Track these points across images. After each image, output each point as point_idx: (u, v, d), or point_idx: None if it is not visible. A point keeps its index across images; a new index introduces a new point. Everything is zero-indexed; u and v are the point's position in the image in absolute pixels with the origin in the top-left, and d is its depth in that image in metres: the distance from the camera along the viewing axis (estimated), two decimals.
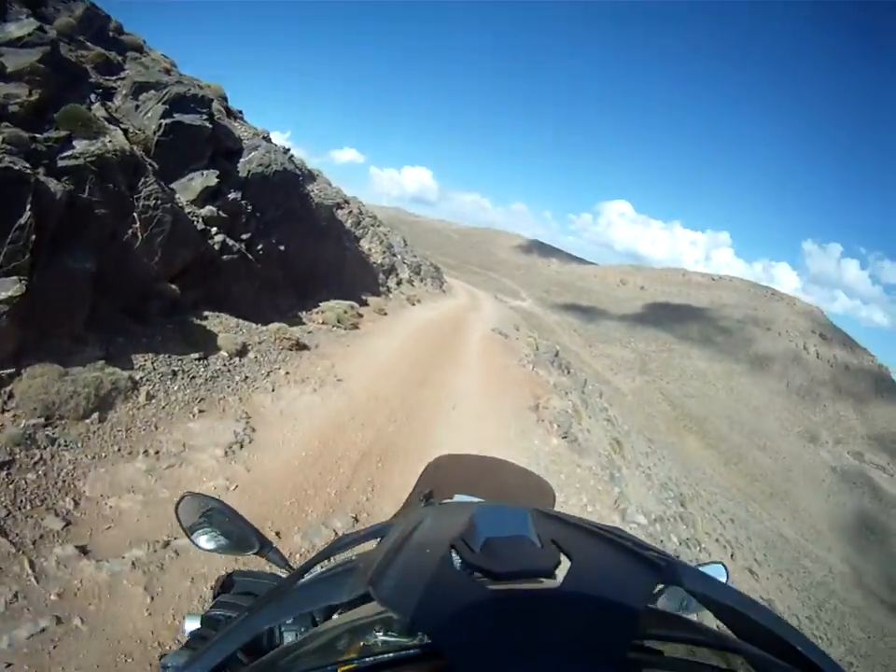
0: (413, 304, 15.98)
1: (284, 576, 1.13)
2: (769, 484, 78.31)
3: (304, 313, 10.59)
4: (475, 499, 1.57)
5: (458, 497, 1.66)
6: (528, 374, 12.65)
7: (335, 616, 0.93)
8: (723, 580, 1.23)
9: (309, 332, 9.66)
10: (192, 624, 1.11)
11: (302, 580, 0.74)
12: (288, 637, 1.07)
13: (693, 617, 0.85)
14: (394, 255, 17.51)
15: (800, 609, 25.11)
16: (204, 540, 1.25)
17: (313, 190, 12.80)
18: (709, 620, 0.77)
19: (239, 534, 1.23)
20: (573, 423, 10.13)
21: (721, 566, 1.38)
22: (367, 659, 0.60)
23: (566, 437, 9.21)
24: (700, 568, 1.05)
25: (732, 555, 17.80)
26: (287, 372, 7.80)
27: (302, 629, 1.07)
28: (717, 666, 0.58)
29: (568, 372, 17.48)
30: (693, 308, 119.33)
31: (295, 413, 6.88)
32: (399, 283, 16.52)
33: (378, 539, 0.75)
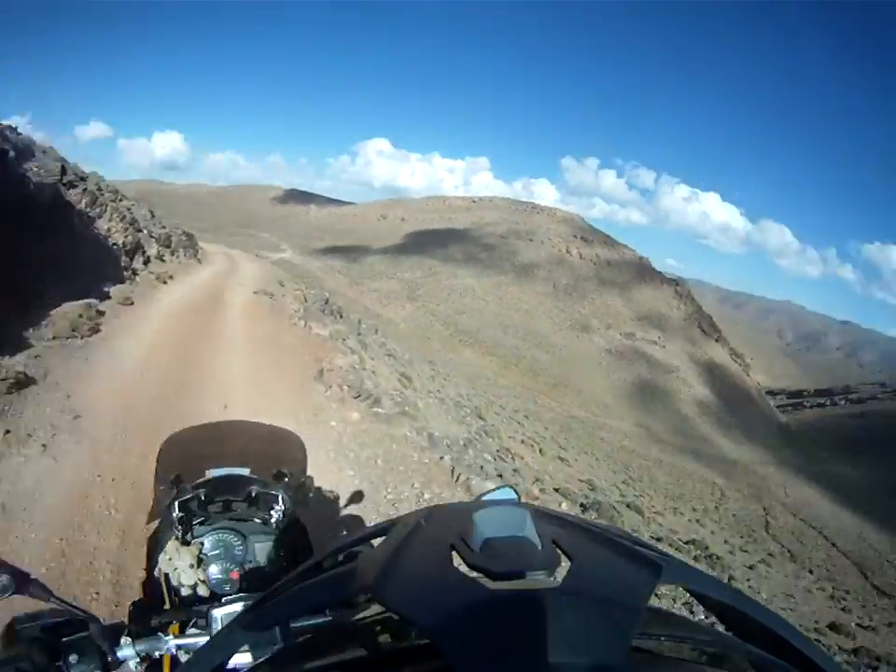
0: (165, 283, 14.83)
1: (71, 608, 1.13)
2: (551, 376, 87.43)
3: (30, 330, 8.27)
4: (234, 470, 1.64)
5: (211, 473, 1.65)
6: (303, 335, 12.15)
7: (335, 616, 1.01)
8: (514, 497, 1.28)
9: (35, 357, 7.58)
10: None
11: (302, 580, 0.76)
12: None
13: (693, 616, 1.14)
14: (139, 230, 16.47)
15: (612, 476, 28.63)
16: None
17: (31, 168, 11.21)
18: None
19: None
20: (364, 378, 9.81)
21: (510, 489, 1.32)
22: (367, 659, 0.63)
23: (361, 397, 8.73)
24: (489, 494, 1.23)
25: (540, 451, 19.21)
26: (8, 431, 5.49)
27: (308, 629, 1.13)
28: (717, 666, 0.61)
29: (341, 317, 17.64)
30: (455, 231, 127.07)
31: (20, 502, 4.74)
32: (146, 262, 15.62)
33: (378, 540, 0.77)
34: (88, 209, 13.96)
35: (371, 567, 0.64)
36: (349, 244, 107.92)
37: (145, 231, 17.13)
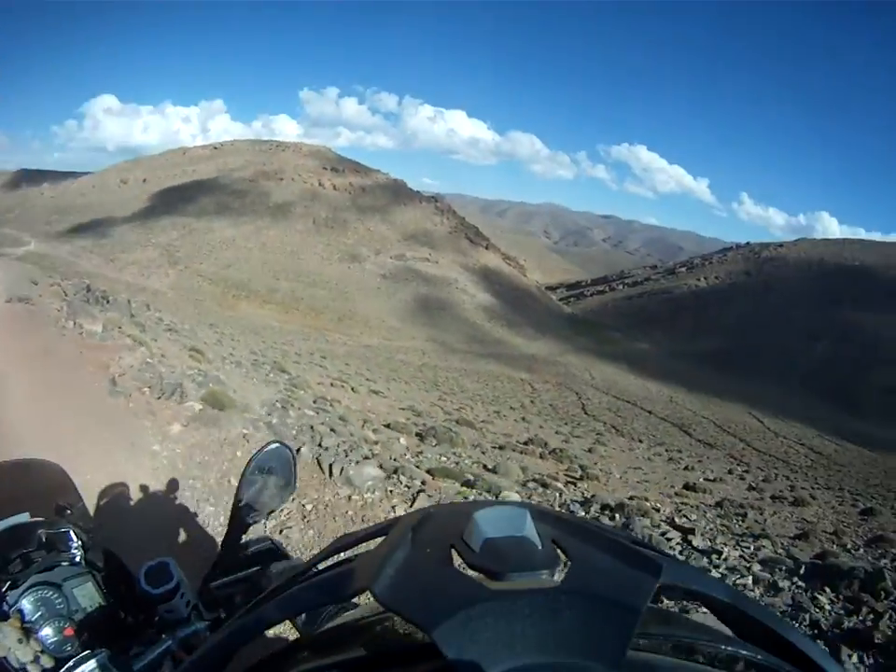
0: None
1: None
2: (333, 311, 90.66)
3: None
4: (10, 521, 1.46)
5: None
6: (77, 338, 10.50)
7: (335, 616, 0.97)
8: (288, 454, 1.38)
9: None
10: None
11: (303, 580, 0.76)
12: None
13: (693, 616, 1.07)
14: None
15: (427, 396, 29.44)
16: None
17: None
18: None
19: None
20: (160, 369, 9.00)
21: (278, 444, 1.41)
22: (366, 659, 0.63)
23: (166, 394, 7.67)
24: (259, 454, 1.32)
25: (353, 389, 19.31)
26: None
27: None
28: (717, 666, 0.60)
29: (108, 303, 16.70)
30: (201, 182, 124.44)
31: None
32: None
33: (378, 539, 0.75)
34: None
35: (370, 566, 0.76)
36: (93, 218, 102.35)
37: None
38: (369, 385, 24.17)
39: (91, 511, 2.07)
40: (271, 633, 0.89)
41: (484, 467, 9.48)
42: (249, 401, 8.70)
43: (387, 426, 11.70)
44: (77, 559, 1.42)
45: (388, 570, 0.62)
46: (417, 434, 11.27)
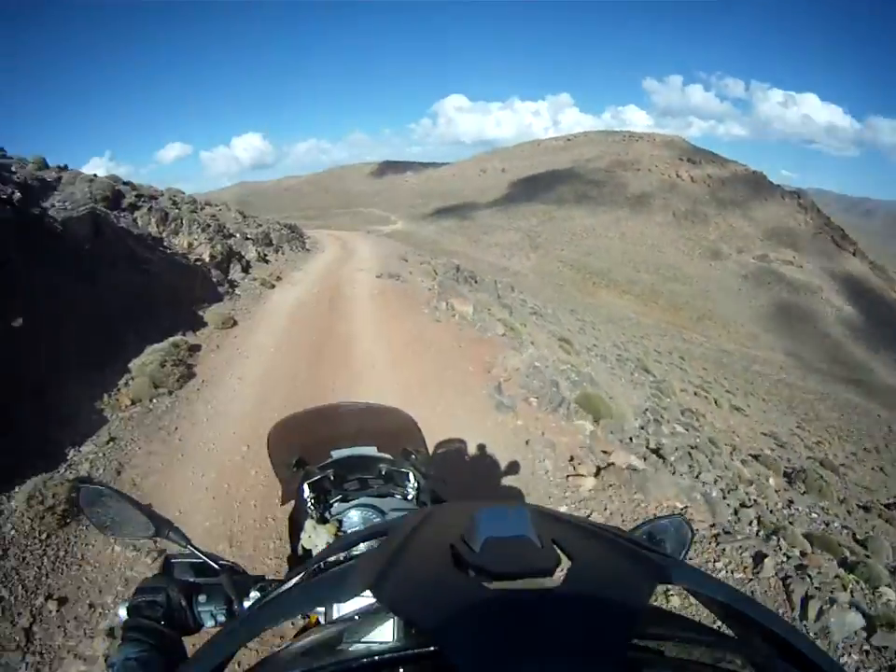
0: (272, 287, 12.90)
1: (205, 558, 1.25)
2: (693, 309, 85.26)
3: (99, 401, 6.39)
4: (360, 450, 1.77)
5: (335, 454, 1.77)
6: (453, 330, 9.92)
7: (336, 616, 1.01)
8: (686, 539, 1.32)
9: (107, 446, 5.78)
10: (124, 613, 1.18)
11: (304, 579, 0.84)
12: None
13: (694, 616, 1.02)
14: (228, 237, 15.00)
15: (784, 419, 27.06)
16: (112, 529, 1.33)
17: (53, 204, 9.56)
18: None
19: (139, 520, 1.30)
20: (548, 376, 8.01)
21: (679, 518, 1.34)
22: (367, 659, 0.64)
23: (554, 405, 6.91)
24: (659, 521, 1.30)
25: (715, 402, 18.76)
26: (52, 599, 3.88)
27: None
28: (717, 666, 0.62)
29: (476, 283, 17.26)
30: (558, 172, 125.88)
31: None
32: (246, 268, 13.97)
33: (379, 539, 0.84)
34: (159, 228, 12.87)
35: (371, 566, 0.70)
36: (455, 202, 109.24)
37: (238, 236, 16.07)
38: (729, 397, 22.65)
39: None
40: (271, 633, 1.22)
41: (854, 536, 7.13)
42: (623, 409, 8.24)
43: (755, 457, 10.71)
44: (410, 496, 1.65)
45: (389, 571, 0.66)
46: (785, 474, 9.90)
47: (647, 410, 9.15)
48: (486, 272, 30.83)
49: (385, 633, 0.73)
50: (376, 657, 0.64)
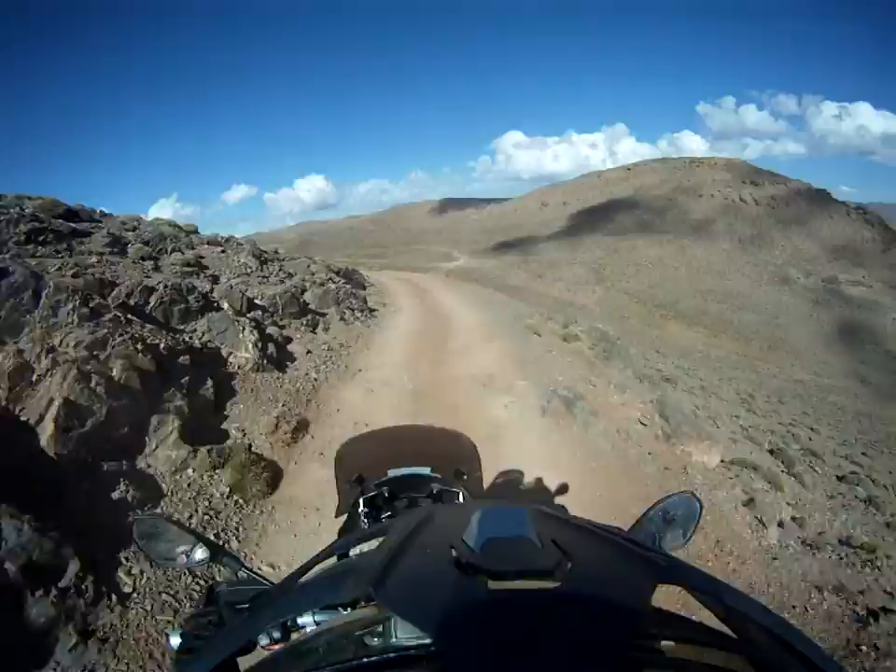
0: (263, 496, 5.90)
1: (259, 580, 1.27)
2: (763, 339, 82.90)
3: None
4: (415, 470, 1.87)
5: (392, 472, 1.88)
6: (641, 440, 7.48)
7: (336, 616, 1.00)
8: (696, 512, 1.36)
9: None
10: (176, 640, 1.18)
11: (304, 580, 0.83)
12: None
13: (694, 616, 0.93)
14: (204, 310, 9.26)
15: (878, 461, 22.37)
16: (161, 557, 1.37)
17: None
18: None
19: (193, 547, 1.34)
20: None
21: (692, 496, 1.40)
22: (368, 659, 0.64)
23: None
24: (668, 500, 1.34)
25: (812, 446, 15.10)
26: None
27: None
28: (717, 666, 0.61)
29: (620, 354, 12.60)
30: (619, 201, 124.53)
31: None
32: (217, 405, 7.42)
33: (379, 539, 0.83)
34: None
35: (371, 566, 0.69)
36: (517, 237, 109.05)
37: (227, 308, 9.89)
38: (816, 438, 19.71)
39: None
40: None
41: None
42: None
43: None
44: None
45: (389, 571, 0.65)
46: None
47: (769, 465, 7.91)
48: (551, 304, 31.32)
49: (384, 633, 0.71)
50: (376, 657, 0.63)
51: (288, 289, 12.79)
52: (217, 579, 3.52)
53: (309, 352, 10.40)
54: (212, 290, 10.82)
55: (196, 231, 18.51)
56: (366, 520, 1.71)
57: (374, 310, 15.99)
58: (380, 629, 0.71)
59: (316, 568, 0.91)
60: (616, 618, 0.55)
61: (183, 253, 13.63)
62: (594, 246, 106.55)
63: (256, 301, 11.52)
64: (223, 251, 15.78)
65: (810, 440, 17.26)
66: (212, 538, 2.10)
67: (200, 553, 1.34)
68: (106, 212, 16.83)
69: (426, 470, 1.88)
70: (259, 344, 8.92)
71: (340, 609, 1.03)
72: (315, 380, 9.14)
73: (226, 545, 4.83)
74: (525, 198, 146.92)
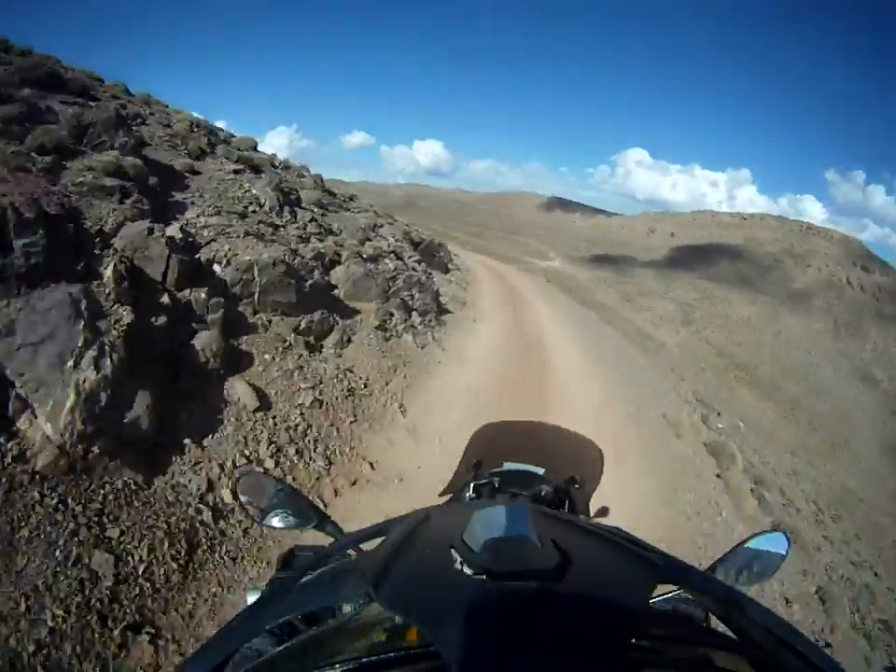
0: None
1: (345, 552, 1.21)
2: (828, 432, 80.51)
3: None
4: (528, 467, 1.87)
5: (506, 465, 1.89)
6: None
7: (336, 616, 1.03)
8: (784, 551, 1.36)
9: None
10: (254, 598, 1.19)
11: (304, 579, 0.84)
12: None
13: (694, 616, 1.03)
14: None
15: None
16: (271, 518, 1.39)
17: None
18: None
19: (299, 509, 1.37)
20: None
21: (781, 535, 1.40)
22: (368, 659, 0.64)
23: None
24: (757, 538, 1.33)
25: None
26: None
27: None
28: (717, 666, 0.62)
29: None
30: (726, 247, 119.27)
31: None
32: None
33: (379, 539, 0.84)
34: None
35: (371, 567, 0.68)
36: (617, 254, 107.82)
37: None
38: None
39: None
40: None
41: None
42: None
43: None
44: None
45: (389, 571, 0.66)
46: None
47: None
48: (634, 335, 28.19)
49: (384, 633, 0.71)
50: (376, 657, 0.63)
51: (290, 256, 7.70)
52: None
53: (260, 411, 5.89)
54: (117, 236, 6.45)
55: (230, 140, 13.74)
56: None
57: (445, 312, 11.36)
58: (380, 629, 0.71)
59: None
60: (616, 618, 0.55)
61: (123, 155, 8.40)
62: (689, 286, 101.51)
63: (214, 269, 7.03)
64: (244, 172, 10.86)
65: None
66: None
67: (305, 518, 1.36)
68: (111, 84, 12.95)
69: (539, 471, 1.89)
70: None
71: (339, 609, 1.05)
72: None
73: None
74: (635, 218, 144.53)
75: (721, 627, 0.69)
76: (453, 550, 0.68)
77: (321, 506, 4.59)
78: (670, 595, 1.20)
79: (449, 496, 1.90)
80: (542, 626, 0.53)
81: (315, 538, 1.45)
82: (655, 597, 1.20)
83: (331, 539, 1.34)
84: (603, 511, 3.14)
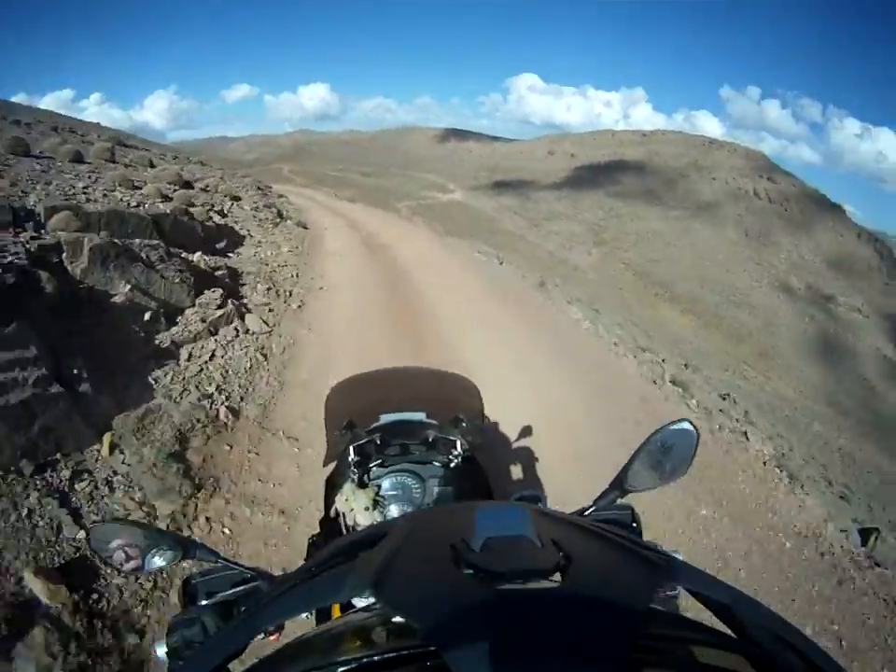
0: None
1: (238, 567, 1.19)
2: (755, 343, 78.62)
3: None
4: (409, 415, 1.69)
5: (385, 418, 1.70)
6: None
7: (335, 615, 1.01)
8: (693, 439, 1.26)
9: None
10: (162, 650, 1.11)
11: (304, 579, 0.78)
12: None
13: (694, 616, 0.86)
14: None
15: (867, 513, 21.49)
16: (130, 565, 1.18)
17: None
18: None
19: (161, 545, 1.17)
20: None
21: (686, 422, 1.27)
22: (367, 659, 0.62)
23: None
24: (662, 432, 1.23)
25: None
26: None
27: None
28: (717, 666, 0.60)
29: None
30: (628, 163, 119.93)
31: None
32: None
33: (379, 539, 0.78)
34: None
35: (371, 566, 0.68)
36: (518, 179, 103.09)
37: None
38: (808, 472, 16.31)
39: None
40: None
41: None
42: None
43: None
44: (452, 465, 1.59)
45: (389, 571, 0.67)
46: None
47: None
48: (544, 258, 29.02)
49: (384, 633, 0.71)
50: (376, 657, 0.64)
51: None
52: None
53: None
54: None
55: None
56: (355, 469, 1.56)
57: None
58: (379, 629, 0.72)
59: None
60: (616, 618, 0.56)
61: None
62: (595, 206, 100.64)
63: None
64: None
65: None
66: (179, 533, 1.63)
67: (170, 553, 1.19)
68: None
69: (420, 416, 1.74)
70: None
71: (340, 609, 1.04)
72: None
73: None
74: (534, 142, 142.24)
75: (722, 627, 0.69)
76: (453, 549, 0.69)
77: None
78: (604, 504, 1.26)
79: (332, 465, 1.76)
80: (543, 626, 0.54)
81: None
82: (589, 508, 1.28)
83: (206, 565, 1.25)
84: (527, 431, 4.62)
